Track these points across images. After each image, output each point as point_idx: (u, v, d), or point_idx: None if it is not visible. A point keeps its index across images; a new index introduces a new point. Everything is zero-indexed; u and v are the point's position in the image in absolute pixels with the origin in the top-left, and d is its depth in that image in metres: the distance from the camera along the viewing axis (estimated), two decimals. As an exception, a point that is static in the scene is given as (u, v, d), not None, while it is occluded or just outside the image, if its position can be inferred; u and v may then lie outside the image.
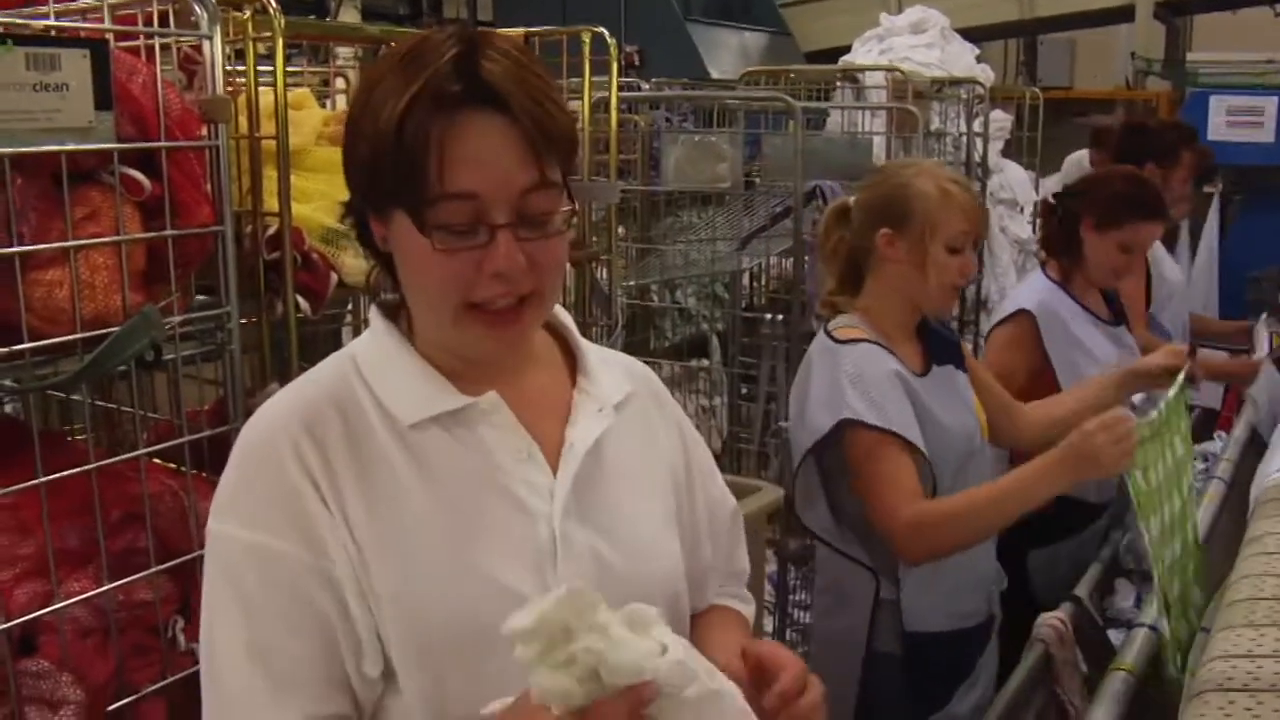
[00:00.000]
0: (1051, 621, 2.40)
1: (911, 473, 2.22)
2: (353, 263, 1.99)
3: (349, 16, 7.60)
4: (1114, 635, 2.52)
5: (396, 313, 1.29)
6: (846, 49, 6.25)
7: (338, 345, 2.77)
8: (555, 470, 1.26)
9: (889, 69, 4.91)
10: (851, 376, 2.26)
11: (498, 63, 1.14)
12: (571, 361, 1.37)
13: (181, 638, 1.80)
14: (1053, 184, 6.88)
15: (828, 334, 2.40)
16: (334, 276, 1.99)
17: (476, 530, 1.22)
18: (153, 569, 1.75)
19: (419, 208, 1.13)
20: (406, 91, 1.11)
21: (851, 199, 2.49)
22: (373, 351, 1.27)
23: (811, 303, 3.87)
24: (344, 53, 3.04)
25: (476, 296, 1.16)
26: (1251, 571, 1.93)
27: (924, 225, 2.30)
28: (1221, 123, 6.60)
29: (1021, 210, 5.97)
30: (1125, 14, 9.39)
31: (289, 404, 1.23)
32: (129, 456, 1.76)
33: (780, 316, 3.76)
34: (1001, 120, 5.81)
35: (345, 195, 1.52)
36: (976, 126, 5.30)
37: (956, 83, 5.25)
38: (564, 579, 1.21)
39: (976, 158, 5.36)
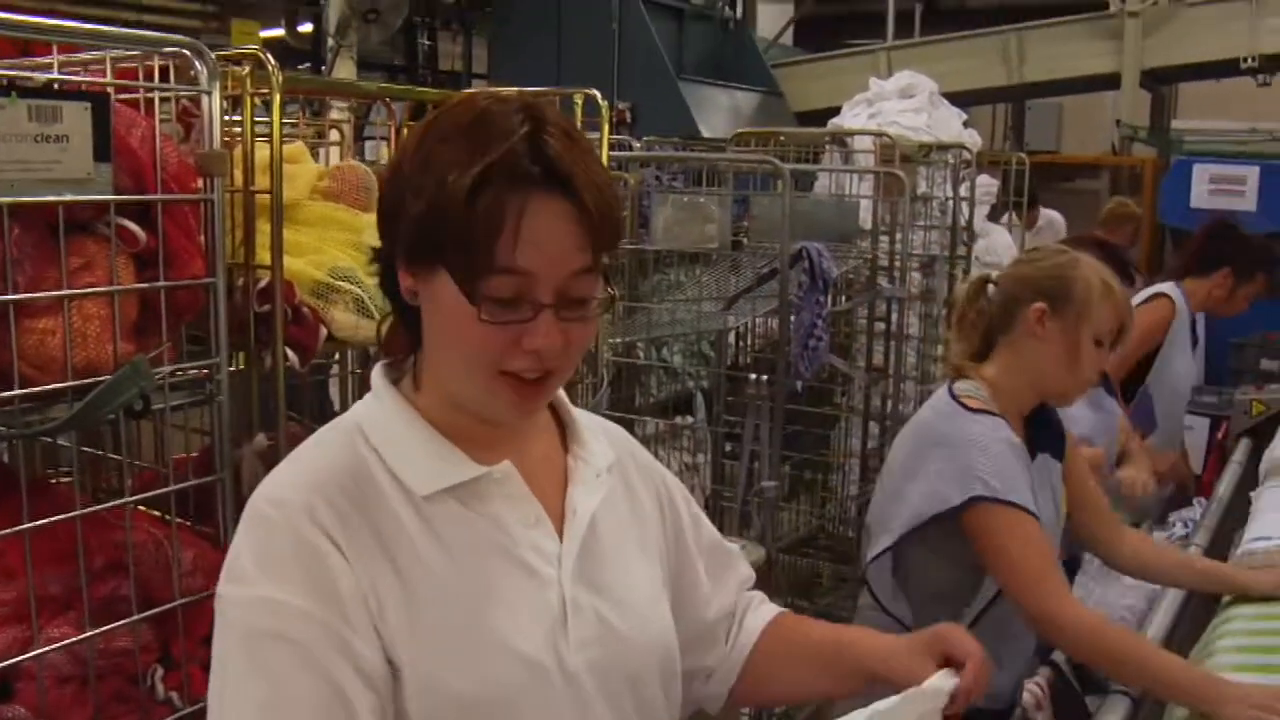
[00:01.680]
0: (1030, 687, 2.41)
1: (1028, 548, 2.19)
2: (342, 317, 2.01)
3: (345, 67, 7.68)
4: (1091, 701, 2.53)
5: (399, 374, 1.30)
6: (837, 110, 6.33)
7: (324, 396, 2.79)
8: (560, 536, 1.28)
9: (877, 133, 4.97)
10: (981, 448, 2.22)
11: (562, 143, 1.16)
12: (558, 425, 1.39)
13: (160, 687, 1.80)
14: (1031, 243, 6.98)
15: (953, 397, 2.36)
16: (323, 330, 2.00)
17: (491, 598, 1.22)
18: (135, 617, 1.75)
19: (474, 277, 1.14)
20: (480, 161, 1.12)
21: (994, 274, 2.48)
22: (380, 418, 1.26)
23: (796, 363, 3.91)
24: (339, 105, 3.08)
25: (509, 367, 1.18)
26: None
27: (1081, 310, 2.30)
28: (1204, 190, 6.68)
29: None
30: (1112, 81, 9.53)
31: (300, 472, 1.22)
32: (115, 504, 1.77)
33: (765, 376, 3.78)
34: (987, 184, 5.88)
35: (336, 250, 1.53)
36: (963, 191, 5.36)
37: (944, 148, 5.31)
38: (575, 644, 1.24)
39: (963, 222, 5.42)
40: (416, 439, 1.24)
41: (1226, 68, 8.96)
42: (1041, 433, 2.42)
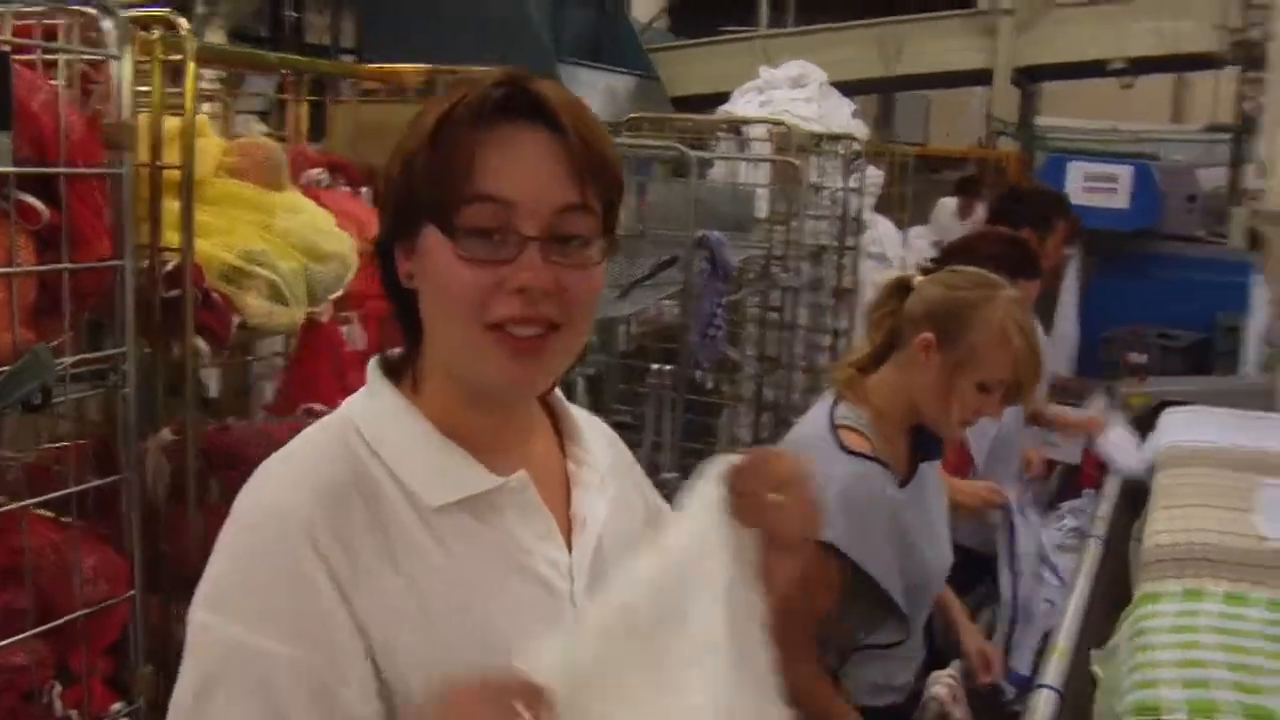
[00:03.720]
0: (943, 679, 2.40)
1: (823, 606, 2.14)
2: (255, 304, 1.88)
3: (215, 37, 7.38)
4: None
5: (399, 371, 1.19)
6: (715, 96, 6.29)
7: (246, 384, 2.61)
8: (569, 547, 1.19)
9: (774, 122, 4.94)
10: (843, 496, 2.11)
11: (543, 84, 1.10)
12: (551, 421, 1.29)
13: (59, 704, 1.65)
14: (921, 235, 7.08)
15: (833, 427, 2.25)
16: (235, 318, 1.86)
17: (506, 615, 1.13)
18: (31, 632, 1.60)
19: (449, 209, 1.06)
20: (448, 103, 1.08)
21: (918, 277, 2.37)
22: (378, 417, 1.15)
23: (696, 352, 3.86)
24: (209, 75, 2.90)
25: (497, 315, 1.07)
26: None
27: (968, 354, 2.18)
28: (1079, 188, 6.81)
29: (891, 265, 6.07)
30: (984, 77, 9.71)
31: (298, 476, 1.10)
32: (12, 507, 1.61)
33: (669, 366, 3.72)
34: (875, 176, 5.91)
35: (247, 231, 1.39)
36: (853, 182, 5.37)
37: (835, 138, 5.31)
38: None
39: (853, 213, 5.43)
40: (422, 442, 1.13)
41: (1095, 68, 9.18)
42: (925, 442, 2.36)
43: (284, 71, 2.57)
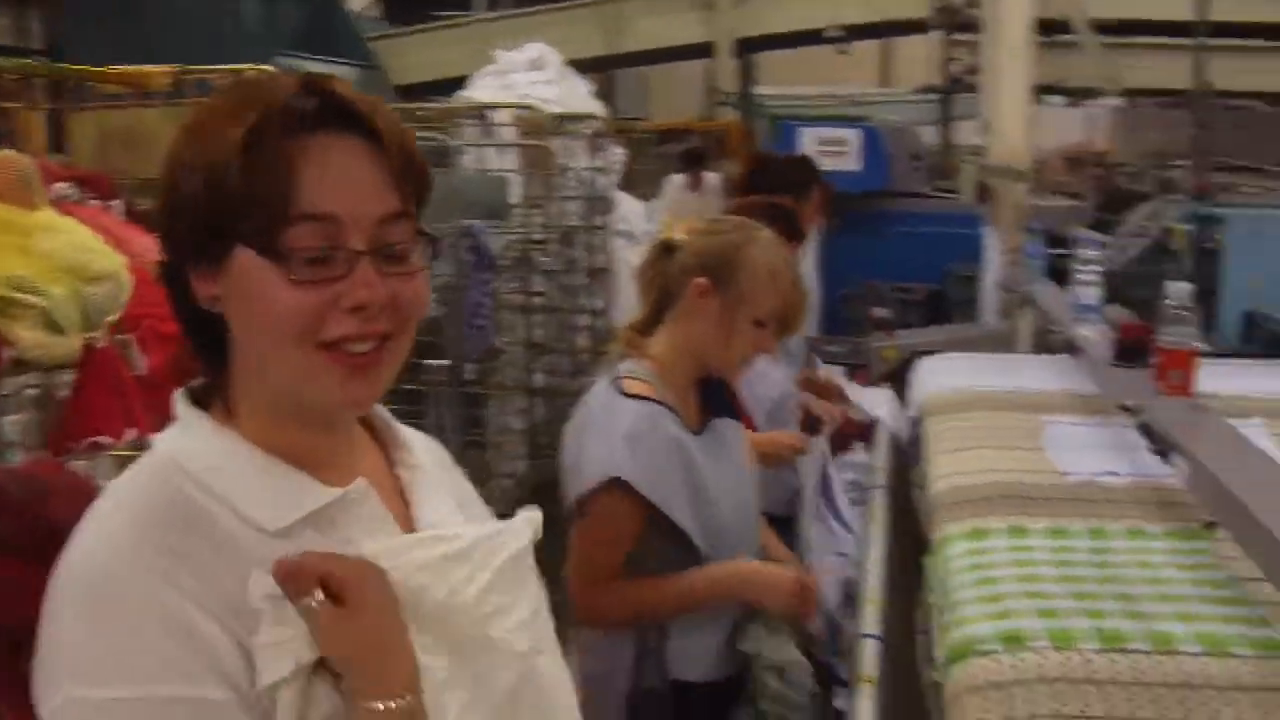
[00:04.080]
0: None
1: (623, 550, 2.19)
2: (29, 335, 1.70)
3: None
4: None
5: (206, 399, 1.09)
6: (440, 83, 6.16)
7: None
8: None
9: (522, 106, 4.88)
10: (629, 434, 2.17)
11: (344, 88, 1.03)
12: (371, 434, 1.21)
13: None
14: (658, 209, 7.17)
15: (614, 382, 2.28)
16: (6, 351, 1.69)
17: None
18: None
19: (271, 232, 0.98)
20: (252, 113, 0.98)
21: (680, 236, 2.39)
22: (198, 450, 1.05)
23: (464, 344, 3.78)
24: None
25: (331, 334, 1.01)
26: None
27: (742, 291, 2.25)
28: (811, 153, 7.02)
29: (639, 242, 6.12)
30: (705, 50, 9.93)
31: (127, 528, 1.00)
32: None
33: (447, 361, 3.63)
34: (617, 154, 5.93)
35: (7, 256, 1.26)
36: (598, 161, 5.38)
37: (577, 118, 5.30)
38: None
39: (600, 192, 5.44)
40: (250, 467, 1.05)
41: (812, 36, 9.51)
42: (715, 396, 2.42)
43: (11, 76, 2.35)
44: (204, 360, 1.08)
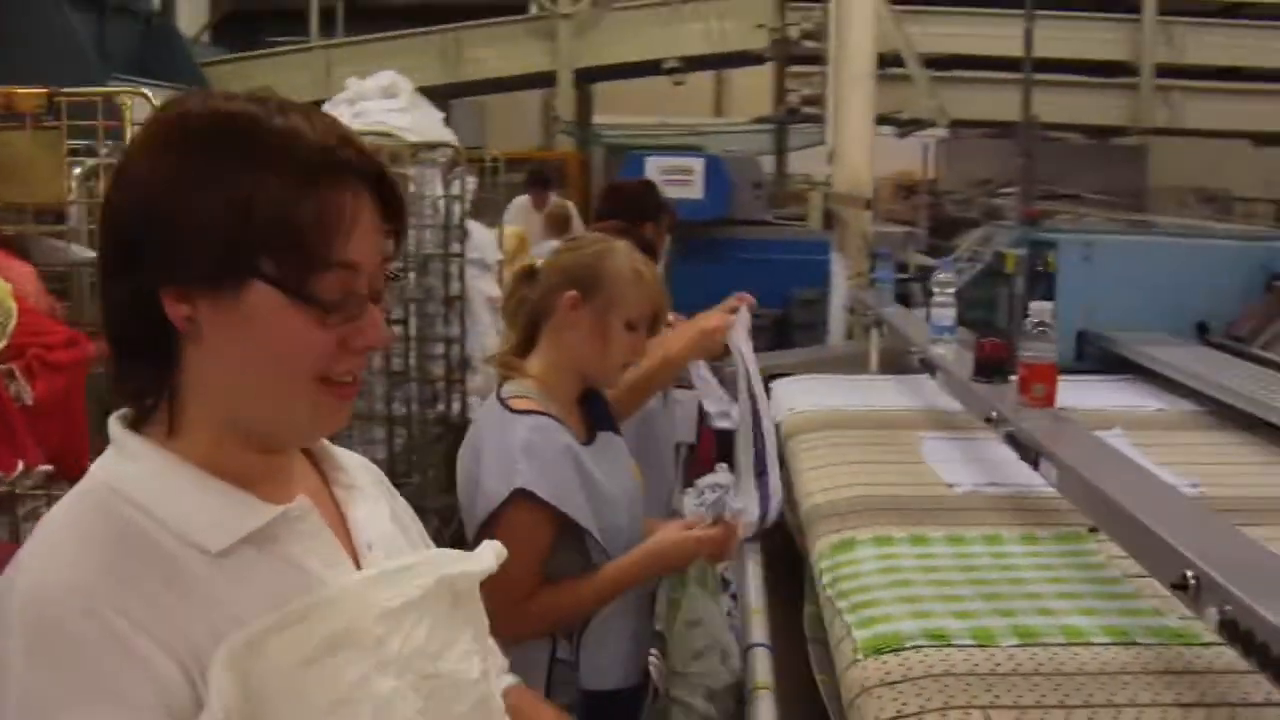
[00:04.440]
0: (650, 660, 2.49)
1: (539, 560, 2.23)
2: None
3: None
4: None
5: (142, 421, 1.08)
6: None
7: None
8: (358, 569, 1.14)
9: (383, 134, 4.85)
10: (525, 447, 2.20)
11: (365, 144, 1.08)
12: (304, 452, 1.22)
13: None
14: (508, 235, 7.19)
15: (501, 402, 2.33)
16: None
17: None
18: None
19: (304, 276, 1.01)
20: (291, 159, 1.01)
21: (539, 261, 2.48)
22: (136, 474, 1.05)
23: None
24: None
25: (335, 372, 1.05)
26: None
27: (610, 297, 2.33)
28: (657, 181, 7.15)
29: (491, 270, 6.13)
30: (547, 79, 10.00)
31: (78, 560, 0.98)
32: None
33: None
34: (470, 182, 5.93)
35: None
36: (454, 189, 5.38)
37: (432, 146, 5.29)
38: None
39: (455, 220, 5.43)
40: (191, 489, 1.05)
41: (651, 67, 9.67)
42: (596, 410, 2.49)
43: None
44: (152, 377, 1.06)
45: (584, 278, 2.37)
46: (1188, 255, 4.76)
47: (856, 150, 5.28)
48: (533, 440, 2.23)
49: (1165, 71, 8.22)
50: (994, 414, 2.55)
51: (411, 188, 5.29)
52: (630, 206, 4.35)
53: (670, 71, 9.73)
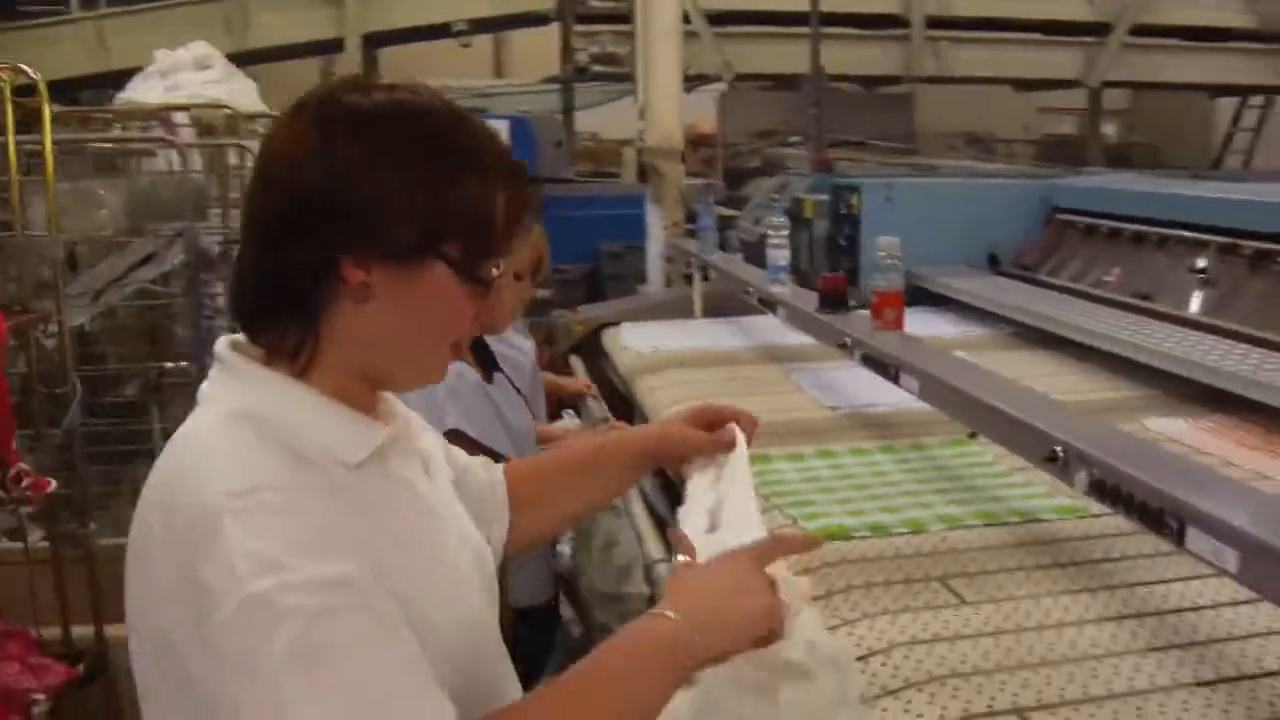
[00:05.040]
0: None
1: None
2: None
3: None
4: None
5: (271, 358, 1.21)
6: (57, 84, 5.90)
7: None
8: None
9: (216, 106, 4.87)
10: (448, 391, 2.37)
11: None
12: None
13: None
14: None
15: None
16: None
17: (434, 541, 1.26)
18: None
19: (480, 262, 1.20)
20: (490, 159, 1.21)
21: None
22: (273, 398, 1.18)
23: (199, 345, 3.81)
24: None
25: (461, 337, 1.25)
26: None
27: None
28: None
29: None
30: (335, 46, 9.92)
31: (245, 469, 1.10)
32: None
33: (183, 363, 3.65)
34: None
35: None
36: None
37: (253, 117, 5.32)
38: (484, 578, 1.34)
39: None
40: (326, 411, 1.20)
41: (440, 31, 9.69)
42: (487, 356, 2.69)
43: None
44: (278, 323, 1.20)
45: None
46: (979, 194, 5.22)
47: (666, 105, 5.53)
48: (452, 384, 2.42)
49: (934, 23, 8.76)
50: (847, 340, 2.84)
51: (233, 159, 5.33)
52: None
53: (459, 34, 9.78)
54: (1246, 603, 1.79)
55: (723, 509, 1.51)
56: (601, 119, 12.01)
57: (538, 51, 13.24)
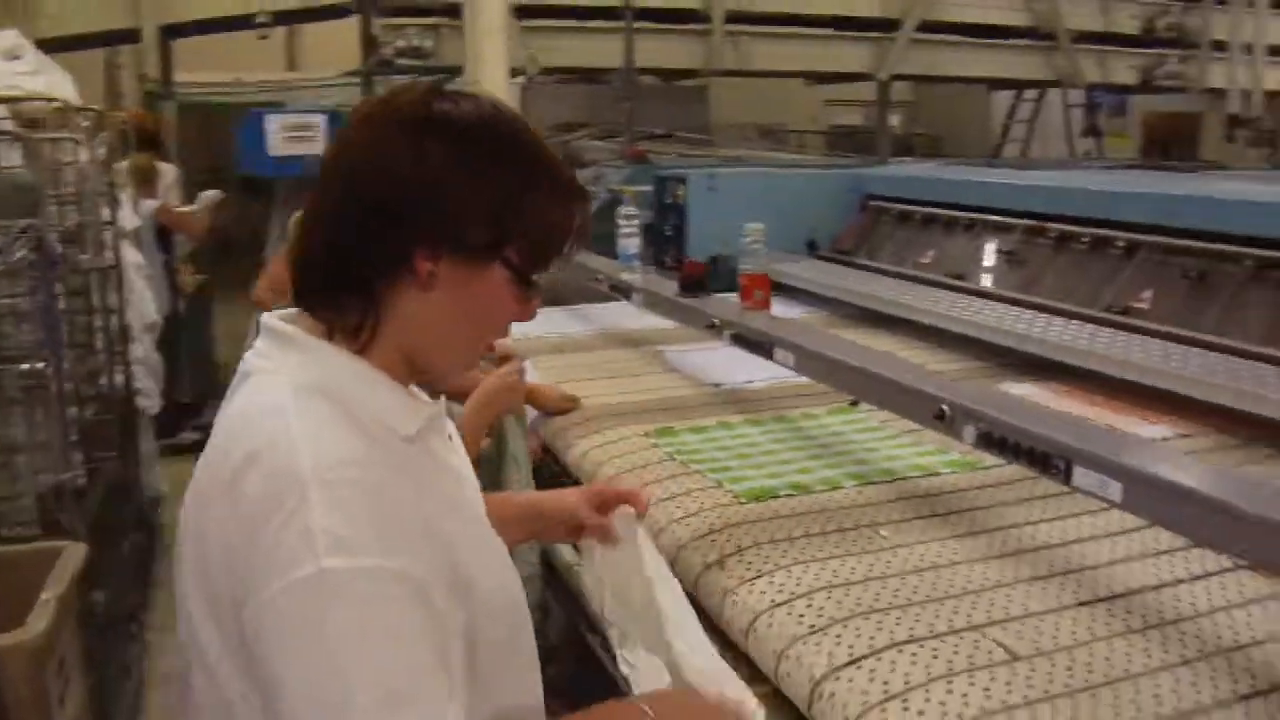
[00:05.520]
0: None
1: None
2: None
3: None
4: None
5: (328, 334, 1.32)
6: None
7: None
8: None
9: (44, 98, 4.71)
10: None
11: None
12: None
13: None
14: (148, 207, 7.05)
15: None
16: None
17: (478, 513, 1.39)
18: None
19: (534, 265, 1.31)
20: (563, 175, 1.32)
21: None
22: (339, 374, 1.28)
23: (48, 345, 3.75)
24: None
25: (499, 335, 1.38)
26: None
27: None
28: (280, 140, 7.21)
29: (128, 236, 6.03)
30: (131, 36, 9.62)
31: (327, 440, 1.20)
32: None
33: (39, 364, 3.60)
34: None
35: None
36: (99, 154, 5.30)
37: (74, 110, 5.17)
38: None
39: (102, 188, 5.36)
40: (383, 386, 1.30)
41: (242, 22, 9.49)
42: None
43: None
44: (361, 306, 1.30)
45: None
46: (797, 183, 5.52)
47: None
48: None
49: (734, 18, 9.07)
50: (716, 321, 3.04)
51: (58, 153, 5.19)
52: None
53: (261, 26, 9.60)
54: (1116, 535, 2.08)
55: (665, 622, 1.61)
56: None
57: (331, 45, 13.07)
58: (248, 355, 1.34)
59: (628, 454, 2.62)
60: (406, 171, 1.25)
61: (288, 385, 1.26)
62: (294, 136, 7.26)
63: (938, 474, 2.39)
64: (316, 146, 7.38)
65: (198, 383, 8.10)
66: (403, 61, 9.34)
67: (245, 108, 8.38)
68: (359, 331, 1.31)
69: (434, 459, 1.37)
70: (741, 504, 2.24)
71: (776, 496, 2.26)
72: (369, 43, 10.24)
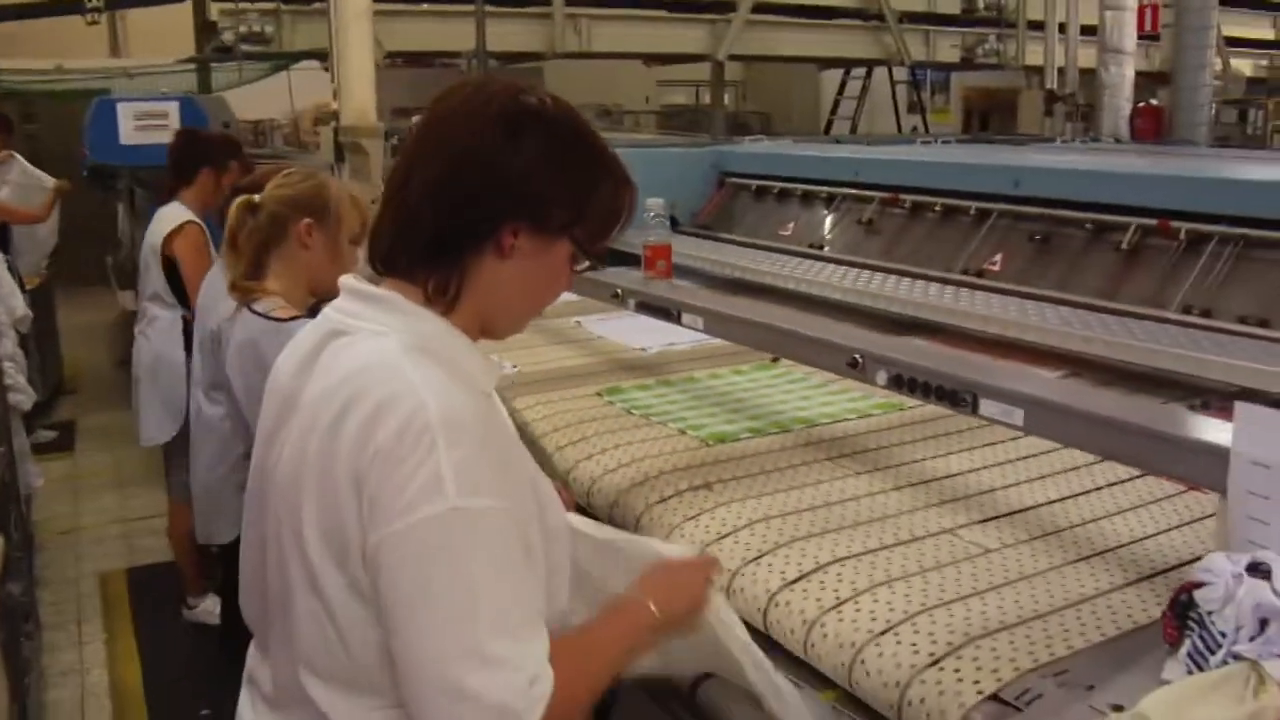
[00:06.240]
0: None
1: None
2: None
3: None
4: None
5: (420, 296, 1.48)
6: None
7: None
8: None
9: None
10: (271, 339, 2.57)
11: None
12: None
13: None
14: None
15: (264, 316, 2.70)
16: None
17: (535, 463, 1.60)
18: None
19: (597, 242, 1.52)
20: (623, 168, 1.54)
21: (257, 196, 2.82)
22: (435, 334, 1.45)
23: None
24: None
25: (550, 304, 1.59)
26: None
27: (338, 220, 2.79)
28: (131, 127, 7.13)
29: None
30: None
31: (442, 391, 1.37)
32: None
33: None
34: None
35: None
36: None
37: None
38: None
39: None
40: (468, 344, 1.48)
41: (69, 7, 9.26)
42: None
43: None
44: (449, 274, 1.47)
45: (313, 207, 2.83)
46: (657, 160, 5.75)
47: (361, 85, 5.70)
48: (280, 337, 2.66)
49: (574, 0, 9.29)
50: (619, 290, 3.26)
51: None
52: (196, 154, 4.71)
53: (90, 11, 9.40)
54: (1004, 463, 2.41)
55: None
56: (238, 100, 11.80)
57: (157, 31, 12.82)
58: (330, 314, 1.53)
59: (585, 410, 2.83)
60: (506, 160, 1.44)
61: (397, 344, 1.43)
62: (146, 124, 7.18)
63: (870, 415, 2.69)
64: (168, 135, 7.32)
65: (49, 379, 7.94)
66: (245, 48, 9.26)
67: (72, 96, 8.22)
68: (445, 294, 1.48)
69: (500, 412, 1.59)
70: (709, 446, 2.52)
71: (738, 439, 2.53)
72: (206, 28, 10.13)
